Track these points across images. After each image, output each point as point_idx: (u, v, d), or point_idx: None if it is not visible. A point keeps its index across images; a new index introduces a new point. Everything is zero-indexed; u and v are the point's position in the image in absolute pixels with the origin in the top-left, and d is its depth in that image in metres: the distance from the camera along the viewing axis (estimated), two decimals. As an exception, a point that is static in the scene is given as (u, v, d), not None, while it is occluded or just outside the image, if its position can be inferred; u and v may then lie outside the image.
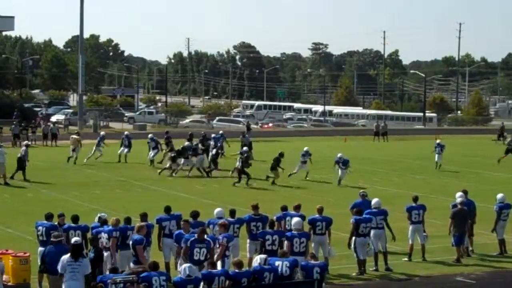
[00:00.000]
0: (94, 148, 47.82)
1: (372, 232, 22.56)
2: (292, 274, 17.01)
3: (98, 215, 20.66)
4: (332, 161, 41.25)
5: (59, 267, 16.72)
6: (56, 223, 19.81)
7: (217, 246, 19.05)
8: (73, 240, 17.41)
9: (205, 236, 18.49)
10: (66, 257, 16.71)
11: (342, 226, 24.63)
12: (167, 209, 21.32)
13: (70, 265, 16.59)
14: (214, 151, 44.65)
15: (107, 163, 47.09)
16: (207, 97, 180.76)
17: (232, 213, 21.19)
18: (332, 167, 40.92)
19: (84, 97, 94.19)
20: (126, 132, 52.45)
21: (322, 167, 46.94)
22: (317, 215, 21.67)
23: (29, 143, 42.69)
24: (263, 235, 20.04)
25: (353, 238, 21.86)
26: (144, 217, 20.42)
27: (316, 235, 21.14)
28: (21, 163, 39.79)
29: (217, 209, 21.11)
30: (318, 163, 48.77)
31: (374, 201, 23.21)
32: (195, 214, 20.68)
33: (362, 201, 24.46)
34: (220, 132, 52.47)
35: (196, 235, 18.41)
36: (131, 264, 18.75)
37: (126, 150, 48.18)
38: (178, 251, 19.36)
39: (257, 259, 17.23)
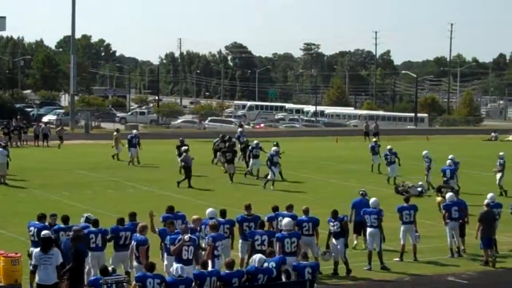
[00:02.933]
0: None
1: (368, 230, 22.85)
2: (279, 275, 17.00)
3: (85, 215, 20.73)
4: (321, 162, 41.19)
5: (32, 261, 17.46)
6: (47, 224, 19.81)
7: (206, 246, 19.18)
8: (42, 233, 17.78)
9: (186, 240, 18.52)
10: (36, 250, 17.40)
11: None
12: (171, 209, 21.40)
13: (41, 258, 17.16)
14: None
15: (99, 163, 47.05)
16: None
17: (223, 213, 21.24)
18: (319, 168, 40.83)
19: (76, 98, 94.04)
20: (134, 131, 52.18)
21: (315, 167, 47.07)
22: (303, 216, 21.70)
23: (187, 148, 40.82)
24: (252, 235, 20.09)
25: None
26: (132, 216, 20.50)
27: (303, 236, 21.00)
28: (188, 170, 38.69)
29: (209, 209, 21.15)
30: (310, 163, 48.89)
31: (372, 200, 23.41)
32: (170, 209, 21.25)
33: (361, 199, 24.76)
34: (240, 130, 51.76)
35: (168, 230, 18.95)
36: (135, 263, 18.92)
37: (134, 150, 46.85)
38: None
39: (256, 259, 17.07)
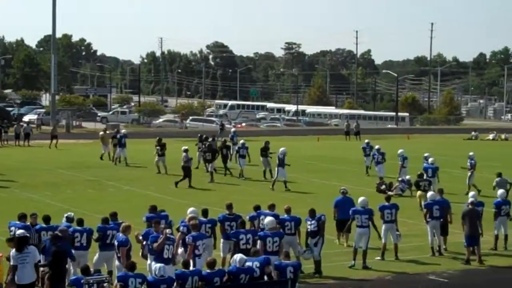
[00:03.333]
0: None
1: (357, 230, 22.91)
2: (262, 275, 17.00)
3: (65, 215, 20.70)
4: (303, 161, 41.13)
5: (11, 261, 17.34)
6: (28, 223, 19.74)
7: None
8: (17, 232, 17.81)
9: (168, 233, 18.66)
10: (13, 251, 17.30)
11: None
12: (154, 208, 21.34)
13: (18, 258, 17.08)
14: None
15: (80, 163, 46.88)
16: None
17: (205, 212, 21.20)
18: (301, 167, 40.77)
19: (57, 97, 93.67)
20: (123, 131, 51.37)
21: (296, 166, 47.06)
22: (285, 215, 21.71)
23: (187, 147, 40.04)
24: (236, 235, 20.06)
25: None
26: (113, 216, 20.43)
27: (285, 235, 20.90)
28: (187, 170, 38.34)
29: (190, 209, 21.12)
30: (291, 162, 48.80)
31: (360, 199, 23.42)
32: (153, 209, 21.24)
33: (343, 198, 24.92)
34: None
35: (153, 230, 19.03)
36: (116, 263, 18.89)
37: (120, 150, 46.36)
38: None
39: (236, 259, 17.01)
